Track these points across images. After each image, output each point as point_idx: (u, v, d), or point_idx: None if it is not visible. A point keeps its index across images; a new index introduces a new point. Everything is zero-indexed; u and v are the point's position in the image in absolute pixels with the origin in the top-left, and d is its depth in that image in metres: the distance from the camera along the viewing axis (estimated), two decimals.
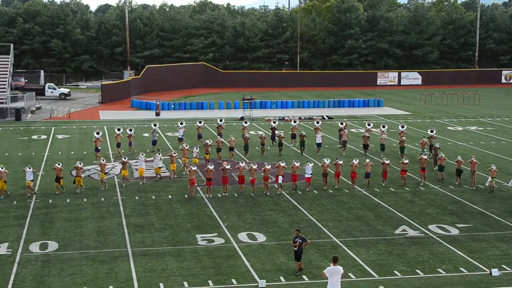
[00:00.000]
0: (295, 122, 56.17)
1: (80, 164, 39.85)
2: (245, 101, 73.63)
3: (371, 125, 56.32)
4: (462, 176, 41.73)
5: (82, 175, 39.95)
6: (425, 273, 27.07)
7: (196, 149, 45.42)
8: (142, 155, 42.35)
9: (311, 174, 39.93)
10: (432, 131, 51.75)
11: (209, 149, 46.75)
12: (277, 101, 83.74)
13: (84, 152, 50.53)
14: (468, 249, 29.95)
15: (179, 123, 55.13)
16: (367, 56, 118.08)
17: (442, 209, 36.47)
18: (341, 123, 55.93)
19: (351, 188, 40.27)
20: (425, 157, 42.62)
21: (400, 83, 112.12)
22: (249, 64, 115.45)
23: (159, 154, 42.94)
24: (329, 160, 41.25)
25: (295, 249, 26.82)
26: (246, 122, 56.42)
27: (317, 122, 56.11)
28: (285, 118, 70.36)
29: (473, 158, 41.63)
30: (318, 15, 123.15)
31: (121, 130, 51.08)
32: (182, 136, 53.16)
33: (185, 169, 43.43)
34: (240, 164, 40.26)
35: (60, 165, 39.43)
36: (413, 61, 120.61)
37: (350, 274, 26.62)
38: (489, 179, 40.13)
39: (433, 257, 28.94)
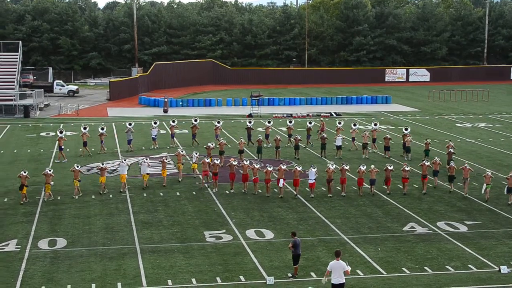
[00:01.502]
0: (290, 122, 54.85)
1: (49, 170, 37.43)
2: (253, 98, 73.59)
3: (378, 124, 54.80)
4: (454, 182, 39.46)
5: (52, 183, 37.43)
6: (433, 270, 27.00)
7: (196, 153, 42.99)
8: (124, 160, 40.09)
9: (314, 179, 38.01)
10: (406, 129, 50.33)
11: (210, 152, 44.40)
12: (285, 98, 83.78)
13: (93, 149, 50.58)
14: (477, 246, 29.86)
15: (152, 123, 53.50)
16: (375, 53, 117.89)
17: (450, 206, 36.37)
18: (339, 123, 54.38)
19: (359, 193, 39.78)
20: (427, 163, 39.65)
21: (408, 79, 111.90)
22: (257, 61, 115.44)
23: (146, 160, 40.28)
24: (334, 166, 39.56)
25: (292, 253, 26.14)
26: (219, 122, 53.87)
27: (339, 123, 53.99)
28: (293, 115, 70.33)
29: (466, 165, 38.94)
30: (326, 11, 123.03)
31: (88, 129, 50.21)
32: (155, 136, 52.11)
33: (181, 175, 41.82)
34: (244, 162, 39.78)
35: (26, 172, 36.65)
36: (421, 57, 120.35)
37: (358, 271, 26.59)
38: (484, 186, 37.51)
39: (442, 254, 28.87)
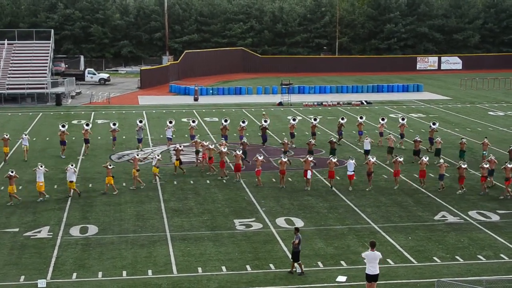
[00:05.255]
0: (294, 120, 50.36)
1: (12, 172, 34.62)
2: (283, 86, 73.39)
3: (385, 120, 51.12)
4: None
5: (14, 186, 34.80)
6: (464, 260, 26.82)
7: (158, 155, 39.90)
8: (41, 167, 35.68)
9: (353, 171, 37.57)
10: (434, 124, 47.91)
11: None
12: (315, 86, 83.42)
13: (124, 137, 50.87)
14: (509, 235, 29.57)
15: (167, 122, 48.92)
16: (407, 41, 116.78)
17: (482, 195, 36.01)
18: (342, 118, 50.29)
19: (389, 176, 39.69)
20: (464, 166, 37.38)
21: (440, 67, 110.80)
22: (288, 49, 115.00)
23: (110, 166, 36.90)
24: (374, 158, 38.81)
25: (294, 249, 25.43)
26: (194, 121, 49.08)
27: (382, 119, 50.34)
28: (323, 103, 70.11)
29: (442, 162, 37.79)
30: None
31: (90, 126, 48.15)
32: (171, 136, 47.98)
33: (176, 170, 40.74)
34: (237, 152, 39.28)
35: (14, 172, 34.70)
36: (453, 45, 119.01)
37: (388, 260, 26.48)
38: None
39: (473, 243, 28.65)
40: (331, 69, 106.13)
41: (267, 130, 49.15)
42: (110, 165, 36.62)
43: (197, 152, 42.57)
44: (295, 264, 25.43)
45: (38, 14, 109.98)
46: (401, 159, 38.06)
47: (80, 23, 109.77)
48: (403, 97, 77.48)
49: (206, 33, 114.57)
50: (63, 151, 45.53)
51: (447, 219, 31.93)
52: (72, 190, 35.59)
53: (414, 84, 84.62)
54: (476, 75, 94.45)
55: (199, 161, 42.19)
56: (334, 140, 44.63)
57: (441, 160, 38.05)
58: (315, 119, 49.94)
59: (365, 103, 70.97)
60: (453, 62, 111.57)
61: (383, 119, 50.39)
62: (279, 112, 64.78)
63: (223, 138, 46.19)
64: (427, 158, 38.71)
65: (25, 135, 45.06)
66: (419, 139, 43.38)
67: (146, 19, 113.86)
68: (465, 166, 37.02)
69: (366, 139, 44.15)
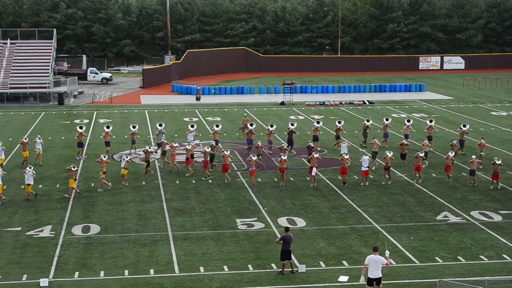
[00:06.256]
0: (318, 123, 48.63)
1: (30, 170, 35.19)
2: (286, 85, 73.37)
3: (389, 120, 49.81)
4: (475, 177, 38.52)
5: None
6: (467, 260, 26.79)
7: (126, 157, 39.10)
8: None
9: (367, 166, 37.85)
10: (464, 125, 46.89)
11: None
12: (317, 85, 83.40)
13: (126, 136, 50.84)
14: (511, 236, 29.52)
15: (189, 126, 46.71)
16: (409, 40, 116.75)
17: (484, 195, 35.99)
18: (367, 120, 49.18)
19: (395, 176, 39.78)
20: (452, 155, 38.74)
21: (443, 67, 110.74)
22: (290, 48, 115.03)
23: (73, 168, 35.82)
24: (391, 153, 38.89)
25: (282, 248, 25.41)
26: (217, 126, 46.46)
27: (408, 121, 49.19)
28: (325, 103, 70.09)
29: (474, 158, 38.22)
30: None
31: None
32: (192, 140, 45.05)
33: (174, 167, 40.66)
34: (225, 152, 39.06)
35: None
36: (456, 45, 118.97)
37: (391, 260, 26.36)
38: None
39: (475, 243, 28.62)
40: (333, 68, 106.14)
41: (294, 133, 46.83)
42: (73, 167, 35.70)
43: (163, 153, 42.15)
44: (286, 263, 25.34)
45: (41, 14, 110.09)
46: (422, 154, 38.89)
47: (82, 23, 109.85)
48: (405, 97, 77.42)
49: (208, 33, 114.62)
50: (81, 153, 44.22)
51: (449, 219, 31.90)
52: (29, 194, 34.95)
53: (416, 84, 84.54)
54: (479, 75, 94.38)
55: (167, 161, 41.62)
56: (360, 143, 43.49)
57: (473, 156, 38.71)
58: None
59: (367, 103, 70.93)
60: (455, 62, 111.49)
61: (387, 119, 49.76)
62: (281, 112, 64.77)
63: (214, 142, 43.89)
64: (453, 153, 39.54)
65: (39, 138, 43.23)
66: (406, 142, 42.69)
67: (148, 19, 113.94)
68: (500, 162, 37.14)
69: (343, 143, 43.36)
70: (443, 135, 51.10)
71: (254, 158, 38.38)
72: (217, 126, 46.64)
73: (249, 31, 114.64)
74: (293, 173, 39.61)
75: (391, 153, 38.70)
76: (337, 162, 40.09)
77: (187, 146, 40.71)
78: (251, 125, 47.61)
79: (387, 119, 49.47)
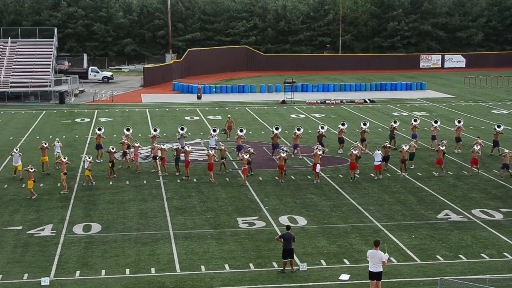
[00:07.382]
0: (343, 125, 46.92)
1: (64, 158, 36.53)
2: (286, 84, 73.36)
3: (398, 123, 48.87)
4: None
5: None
6: (468, 258, 26.78)
7: (88, 157, 38.25)
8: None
9: (380, 161, 38.29)
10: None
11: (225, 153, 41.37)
12: (318, 84, 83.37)
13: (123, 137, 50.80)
14: None
15: (211, 130, 45.55)
16: (410, 39, 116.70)
17: (486, 193, 35.98)
18: (395, 122, 47.95)
19: (398, 175, 39.72)
20: (477, 148, 39.59)
21: (444, 66, 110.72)
22: (291, 47, 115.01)
23: (31, 169, 35.15)
24: (407, 146, 39.78)
25: (282, 246, 25.39)
26: (241, 131, 44.56)
27: (415, 120, 48.50)
28: (326, 102, 70.06)
29: (507, 151, 39.14)
30: None
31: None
32: (214, 145, 43.16)
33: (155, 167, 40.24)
34: (209, 152, 38.89)
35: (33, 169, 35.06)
36: (457, 43, 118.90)
37: (392, 258, 26.44)
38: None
39: (477, 242, 28.61)
40: (334, 67, 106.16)
41: (323, 137, 45.27)
42: (31, 169, 35.13)
43: (124, 154, 41.69)
44: (287, 261, 25.35)
45: (41, 12, 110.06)
46: (443, 148, 39.70)
47: (83, 21, 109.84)
48: (406, 95, 77.40)
49: (209, 31, 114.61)
50: (100, 155, 43.17)
51: (450, 218, 31.89)
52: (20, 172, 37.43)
53: (417, 82, 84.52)
54: (480, 73, 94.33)
55: (124, 159, 41.42)
56: (388, 145, 41.60)
57: (506, 150, 39.72)
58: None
59: (368, 101, 70.90)
60: (456, 60, 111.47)
61: (415, 120, 48.52)
62: (282, 111, 64.77)
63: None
64: (479, 147, 40.11)
65: (58, 142, 42.68)
66: (389, 145, 41.64)
67: (149, 17, 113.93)
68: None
69: (377, 149, 41.60)
70: (444, 133, 51.02)
71: (246, 156, 38.21)
72: (214, 131, 45.27)
73: (250, 29, 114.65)
74: (294, 171, 39.58)
75: (407, 147, 39.71)
76: (337, 160, 40.18)
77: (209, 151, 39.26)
78: (277, 129, 44.95)
79: (415, 120, 48.47)
